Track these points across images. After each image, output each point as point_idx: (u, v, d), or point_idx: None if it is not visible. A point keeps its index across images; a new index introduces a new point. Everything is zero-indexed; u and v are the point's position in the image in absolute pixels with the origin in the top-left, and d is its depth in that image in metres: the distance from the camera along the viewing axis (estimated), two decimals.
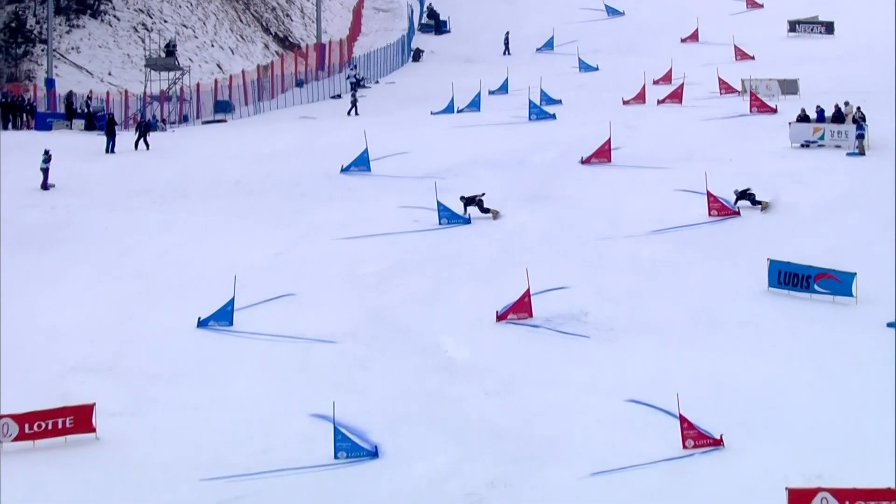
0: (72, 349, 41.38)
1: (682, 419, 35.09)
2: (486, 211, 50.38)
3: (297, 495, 33.99)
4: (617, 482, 33.77)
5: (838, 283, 42.77)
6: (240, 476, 34.77)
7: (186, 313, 42.99)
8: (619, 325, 41.87)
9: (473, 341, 41.37)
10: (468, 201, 50.45)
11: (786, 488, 31.55)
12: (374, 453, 35.56)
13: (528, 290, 42.62)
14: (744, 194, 49.54)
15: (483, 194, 50.68)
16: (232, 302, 42.88)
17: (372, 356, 40.74)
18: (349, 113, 71.87)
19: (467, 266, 46.44)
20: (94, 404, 36.81)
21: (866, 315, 41.49)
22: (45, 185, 54.45)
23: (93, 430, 36.63)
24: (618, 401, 37.54)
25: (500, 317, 42.50)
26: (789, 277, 43.32)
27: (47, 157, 54.66)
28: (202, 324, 42.69)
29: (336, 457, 35.36)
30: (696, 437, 34.95)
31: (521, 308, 42.51)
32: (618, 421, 36.59)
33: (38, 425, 36.35)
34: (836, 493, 31.19)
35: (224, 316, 42.72)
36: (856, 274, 42.61)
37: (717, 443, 35.00)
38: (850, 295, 42.54)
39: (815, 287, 42.98)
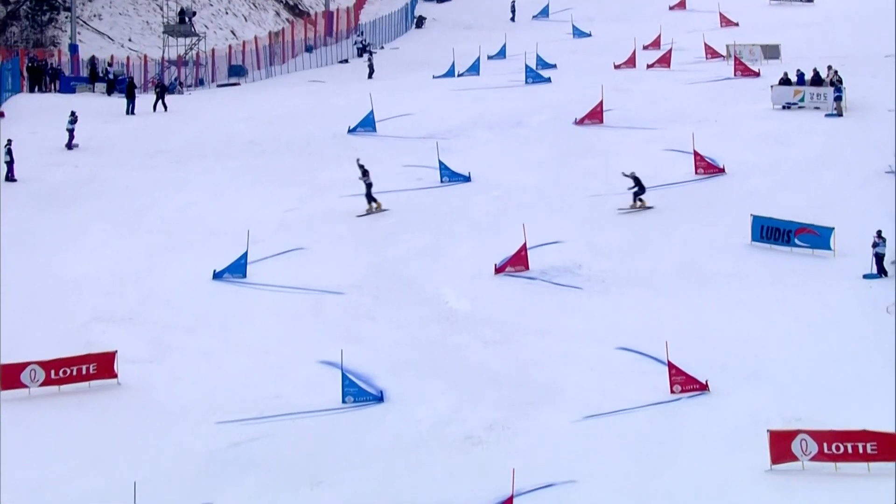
0: (95, 300, 41.39)
1: (670, 365, 35.09)
2: (370, 200, 46.83)
3: (306, 437, 34.02)
4: (608, 425, 33.79)
5: (817, 238, 42.71)
6: (253, 419, 34.79)
7: (202, 266, 42.94)
8: (611, 278, 41.81)
9: (473, 293, 41.33)
10: (364, 173, 47.07)
11: (767, 430, 31.55)
12: (379, 398, 35.55)
13: (525, 245, 42.53)
14: (635, 180, 46.07)
15: (371, 185, 47.10)
16: (245, 255, 42.81)
17: (377, 307, 40.71)
18: (370, 76, 71.56)
19: (467, 222, 46.35)
20: (116, 352, 36.88)
21: (843, 267, 41.45)
22: (69, 145, 54.23)
23: (115, 376, 36.69)
24: (609, 348, 37.53)
25: (499, 269, 42.42)
26: (771, 232, 43.26)
27: (73, 119, 54.45)
28: (217, 276, 42.62)
29: (344, 401, 35.37)
30: (683, 383, 34.94)
31: (518, 261, 42.43)
32: (609, 367, 36.59)
33: (63, 371, 36.45)
34: (814, 434, 31.20)
35: (238, 268, 42.65)
36: (834, 228, 42.55)
37: (703, 388, 34.98)
38: (829, 248, 42.47)
39: (796, 241, 42.90)
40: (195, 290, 42.02)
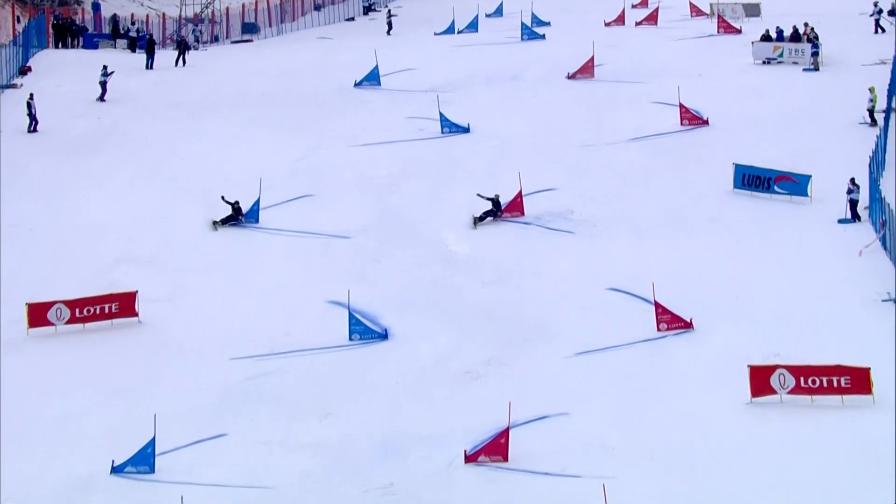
0: (116, 243, 41.24)
1: (657, 305, 35.03)
2: (225, 221, 42.01)
3: (316, 372, 34.01)
4: (599, 361, 33.78)
5: (795, 185, 42.56)
6: (264, 356, 34.77)
7: (217, 212, 42.67)
8: (601, 223, 41.64)
9: (472, 237, 41.18)
10: (237, 211, 42.32)
11: (748, 365, 31.61)
12: (384, 336, 35.46)
13: (521, 192, 42.32)
14: (495, 204, 41.93)
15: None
16: (258, 202, 42.61)
17: (382, 250, 40.56)
18: (388, 33, 70.90)
19: (466, 170, 46.07)
20: (137, 292, 36.84)
21: (819, 213, 41.33)
22: (102, 97, 53.67)
23: (135, 314, 36.64)
24: (600, 289, 37.42)
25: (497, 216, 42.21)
26: (752, 179, 43.09)
27: (105, 73, 53.91)
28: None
29: (350, 339, 35.31)
30: (669, 321, 34.90)
31: (514, 208, 42.20)
32: (600, 307, 36.52)
33: (87, 310, 36.48)
34: (791, 369, 31.30)
35: (251, 214, 42.44)
36: (811, 176, 42.38)
37: (688, 326, 34.91)
38: (806, 195, 42.30)
39: (775, 188, 42.75)
40: (211, 234, 41.83)
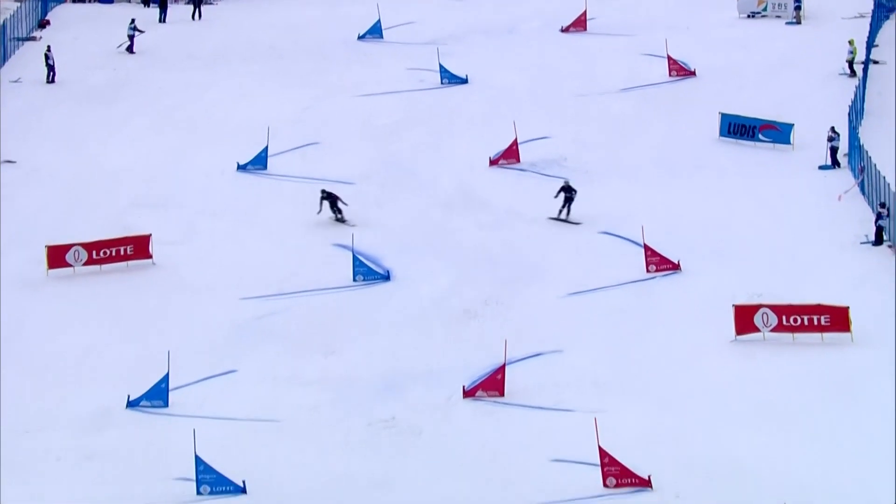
0: (131, 188, 41.08)
1: (646, 247, 34.93)
2: (334, 211, 38.30)
3: (321, 311, 33.95)
4: (591, 300, 33.73)
5: (779, 133, 42.39)
6: (273, 295, 34.67)
7: (227, 158, 42.49)
8: (594, 169, 41.44)
9: (470, 182, 40.99)
10: (330, 198, 38.44)
11: (732, 305, 31.57)
12: (386, 276, 35.35)
13: (517, 140, 42.09)
14: (568, 191, 38.14)
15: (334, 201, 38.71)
16: (266, 149, 42.36)
17: (384, 195, 40.41)
18: None
19: (465, 118, 45.84)
20: (151, 235, 36.66)
21: (801, 160, 41.21)
22: (130, 49, 53.16)
23: (150, 256, 36.51)
24: (592, 232, 37.32)
25: (493, 162, 41.98)
26: (737, 128, 42.92)
27: (133, 26, 53.37)
28: (241, 167, 42.17)
29: (354, 279, 35.21)
30: (658, 263, 34.81)
31: (510, 154, 41.99)
32: (591, 249, 36.44)
33: (103, 252, 36.36)
34: (774, 308, 31.35)
35: (259, 161, 42.21)
36: (793, 125, 42.21)
37: (676, 267, 34.81)
38: (788, 143, 42.12)
39: (759, 136, 42.60)
40: (221, 180, 41.65)
